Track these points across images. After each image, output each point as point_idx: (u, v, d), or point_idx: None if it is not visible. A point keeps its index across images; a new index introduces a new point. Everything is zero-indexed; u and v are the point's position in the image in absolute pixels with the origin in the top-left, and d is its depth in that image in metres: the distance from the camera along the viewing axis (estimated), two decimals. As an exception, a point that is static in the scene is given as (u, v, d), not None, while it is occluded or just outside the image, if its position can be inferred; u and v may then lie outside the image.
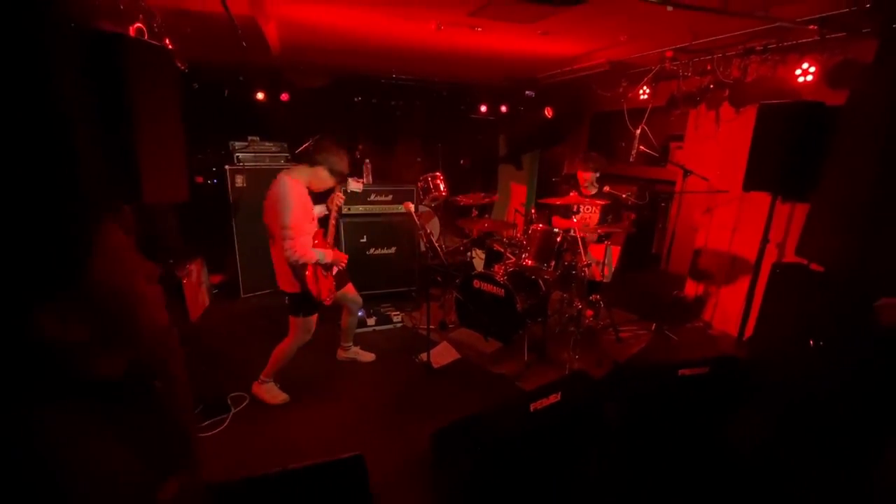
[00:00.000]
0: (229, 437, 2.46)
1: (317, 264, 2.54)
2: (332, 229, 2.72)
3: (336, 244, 3.52)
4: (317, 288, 2.55)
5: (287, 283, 2.56)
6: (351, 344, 3.27)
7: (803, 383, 2.54)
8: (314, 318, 2.67)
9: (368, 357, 3.32)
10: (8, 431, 0.57)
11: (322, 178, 2.53)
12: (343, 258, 2.75)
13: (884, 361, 2.15)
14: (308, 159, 2.51)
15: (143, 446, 0.74)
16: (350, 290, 2.96)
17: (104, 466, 0.67)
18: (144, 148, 1.64)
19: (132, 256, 0.75)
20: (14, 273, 0.55)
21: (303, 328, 2.65)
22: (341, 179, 2.62)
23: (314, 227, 2.63)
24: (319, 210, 2.73)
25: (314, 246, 2.55)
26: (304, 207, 2.49)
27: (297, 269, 2.48)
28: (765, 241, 3.37)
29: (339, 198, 2.72)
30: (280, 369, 2.76)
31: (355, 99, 5.40)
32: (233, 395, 2.78)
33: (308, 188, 2.54)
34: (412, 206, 3.07)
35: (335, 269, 2.77)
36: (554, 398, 1.96)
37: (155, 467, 0.77)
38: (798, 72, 3.04)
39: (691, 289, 4.37)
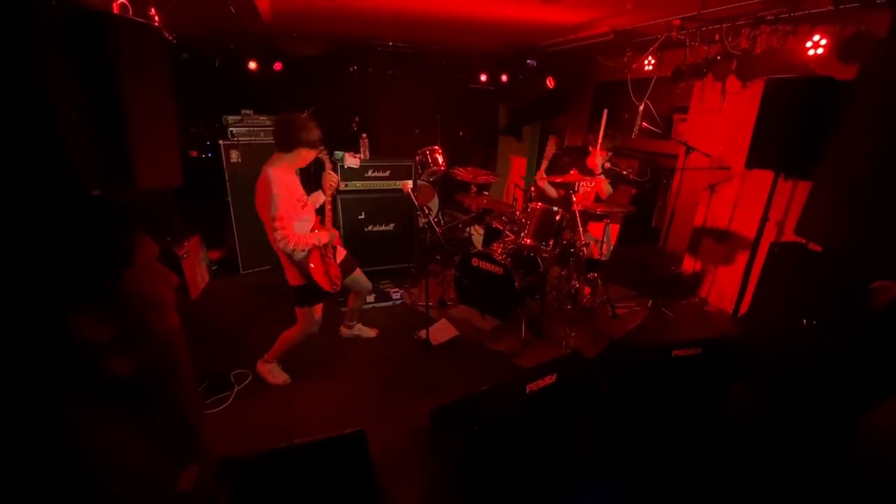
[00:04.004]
0: (233, 414, 2.53)
1: (318, 248, 2.53)
2: (328, 214, 2.68)
3: (334, 221, 3.50)
4: (325, 279, 2.54)
5: (293, 278, 2.57)
6: (355, 322, 3.31)
7: (794, 361, 2.59)
8: (319, 307, 2.68)
9: (371, 333, 3.37)
10: (41, 420, 0.60)
11: (304, 156, 2.47)
12: (337, 238, 2.72)
13: (873, 342, 2.19)
14: (283, 146, 2.42)
15: (158, 439, 0.78)
16: (360, 275, 2.97)
17: (124, 455, 0.71)
18: (136, 132, 1.59)
19: (158, 267, 0.78)
20: (59, 277, 0.59)
21: (309, 318, 2.67)
22: (320, 144, 2.54)
23: (311, 214, 2.59)
24: (315, 198, 2.69)
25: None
26: (293, 196, 2.45)
27: (300, 262, 2.48)
28: (765, 218, 3.36)
29: (332, 178, 2.65)
30: (284, 354, 2.81)
31: (351, 68, 5.23)
32: (235, 372, 2.84)
33: (296, 169, 2.51)
34: (410, 186, 3.03)
35: (340, 258, 2.76)
36: (549, 379, 2.00)
37: (169, 457, 0.81)
38: (809, 44, 2.94)
39: (689, 265, 4.39)
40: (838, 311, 2.43)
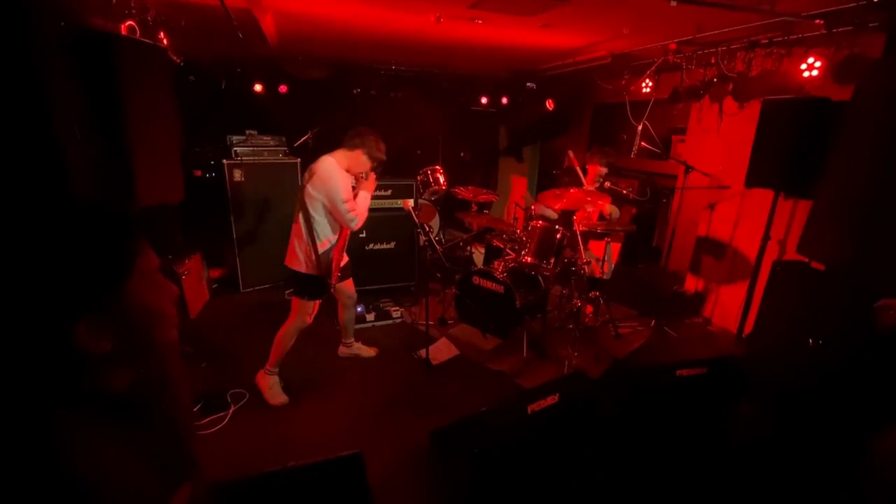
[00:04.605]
0: (229, 435, 2.47)
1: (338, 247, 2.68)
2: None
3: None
4: (337, 266, 2.68)
5: (296, 262, 2.63)
6: (352, 340, 3.28)
7: (801, 381, 2.54)
8: (317, 303, 2.73)
9: (370, 352, 3.32)
10: (33, 434, 0.58)
11: (360, 161, 2.64)
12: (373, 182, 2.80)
13: (879, 361, 2.15)
14: (347, 143, 2.61)
15: (152, 457, 0.75)
16: (348, 284, 2.99)
17: (118, 475, 0.68)
18: (138, 150, 1.62)
19: (159, 278, 0.77)
20: (62, 285, 0.59)
21: (304, 310, 2.70)
22: (378, 165, 2.73)
23: None
24: None
25: None
26: (348, 185, 2.61)
27: (324, 255, 2.61)
28: (766, 237, 3.35)
29: (372, 180, 2.76)
30: (283, 355, 2.77)
31: (354, 91, 5.34)
32: (233, 391, 2.79)
33: (347, 171, 2.63)
34: (411, 204, 3.05)
35: (343, 262, 2.82)
36: (552, 400, 1.96)
37: (164, 476, 0.78)
38: (803, 66, 2.99)
39: (691, 285, 4.36)
40: (844, 329, 2.39)
